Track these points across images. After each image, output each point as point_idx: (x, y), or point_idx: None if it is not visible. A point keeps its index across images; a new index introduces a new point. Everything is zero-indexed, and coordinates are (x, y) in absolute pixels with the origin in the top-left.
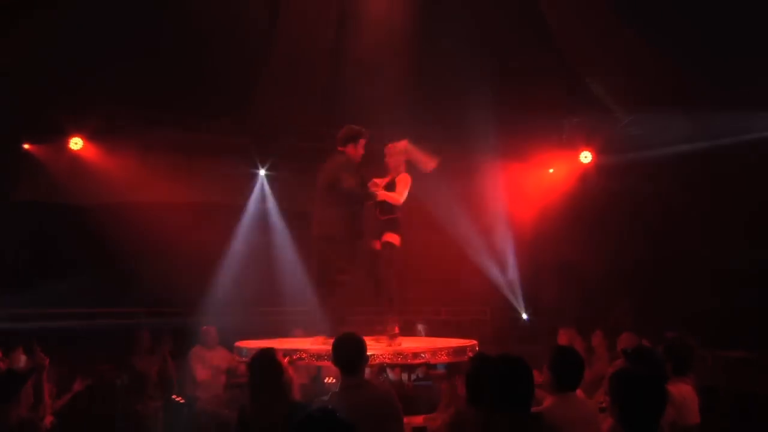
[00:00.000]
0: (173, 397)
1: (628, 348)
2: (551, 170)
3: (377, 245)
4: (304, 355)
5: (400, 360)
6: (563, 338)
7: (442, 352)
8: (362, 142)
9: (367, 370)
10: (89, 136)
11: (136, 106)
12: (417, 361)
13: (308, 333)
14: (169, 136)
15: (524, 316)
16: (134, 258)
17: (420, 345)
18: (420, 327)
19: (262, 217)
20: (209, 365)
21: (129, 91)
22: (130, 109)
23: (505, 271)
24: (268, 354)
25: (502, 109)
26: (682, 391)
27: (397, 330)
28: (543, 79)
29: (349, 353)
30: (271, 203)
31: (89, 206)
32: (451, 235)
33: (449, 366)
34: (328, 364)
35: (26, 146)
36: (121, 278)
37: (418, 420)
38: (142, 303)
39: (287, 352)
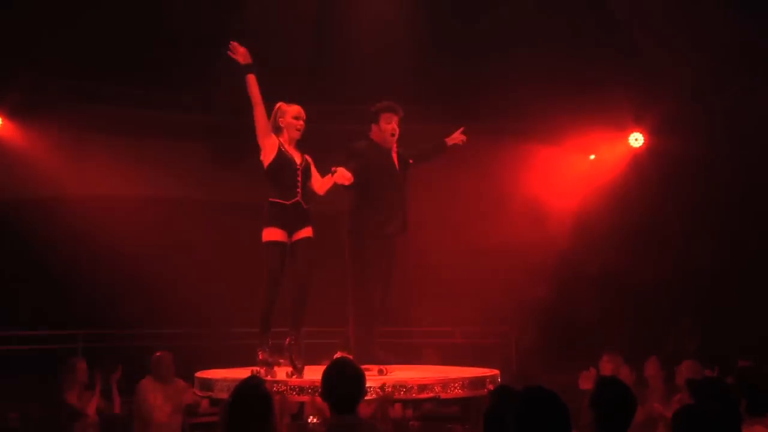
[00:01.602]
0: None
1: (692, 380)
2: (592, 156)
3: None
4: (282, 389)
5: (403, 394)
6: (607, 367)
7: (456, 385)
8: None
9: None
10: (10, 112)
11: (70, 75)
12: (424, 396)
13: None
14: (111, 113)
15: None
16: (68, 266)
17: (428, 375)
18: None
19: (227, 213)
20: (163, 401)
21: (61, 56)
22: (63, 79)
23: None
24: (257, 387)
25: (531, 81)
26: None
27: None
28: (582, 45)
29: (344, 386)
30: (240, 197)
31: (10, 201)
32: (467, 237)
33: (464, 402)
34: (313, 399)
35: None
36: (53, 292)
37: None
38: (79, 323)
39: None
